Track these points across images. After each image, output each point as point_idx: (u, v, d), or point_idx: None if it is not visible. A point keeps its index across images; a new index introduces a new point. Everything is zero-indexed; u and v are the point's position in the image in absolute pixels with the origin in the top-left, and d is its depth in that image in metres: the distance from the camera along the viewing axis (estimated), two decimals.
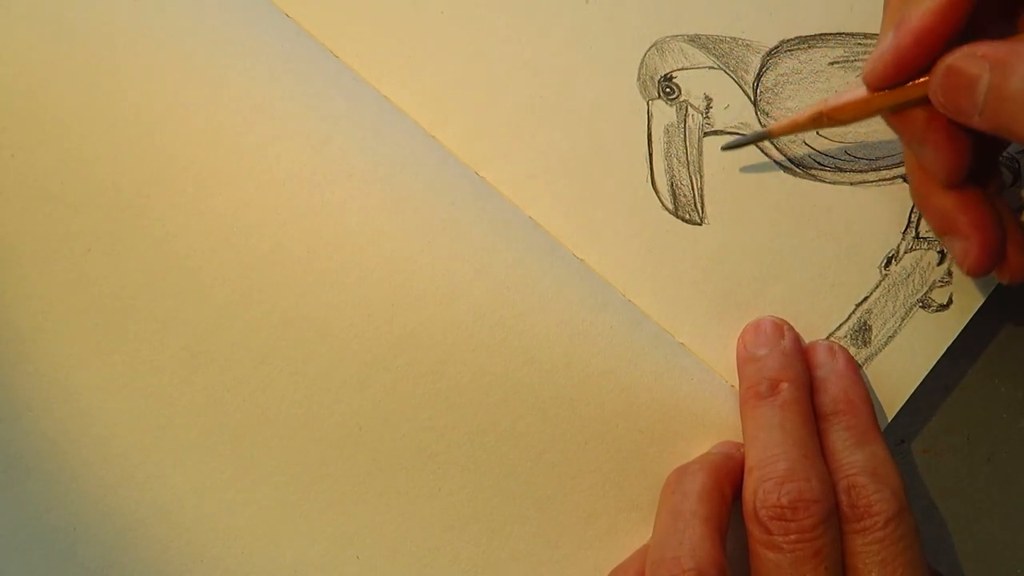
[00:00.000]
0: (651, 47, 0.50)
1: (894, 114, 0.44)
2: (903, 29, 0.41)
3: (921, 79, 0.42)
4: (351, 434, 0.45)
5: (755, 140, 0.48)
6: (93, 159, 0.45)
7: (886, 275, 0.49)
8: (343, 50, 0.48)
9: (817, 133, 0.49)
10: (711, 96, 0.50)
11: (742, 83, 0.50)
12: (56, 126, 0.45)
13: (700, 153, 0.49)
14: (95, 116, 0.45)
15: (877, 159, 0.49)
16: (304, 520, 0.45)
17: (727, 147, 0.49)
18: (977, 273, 0.45)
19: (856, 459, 0.43)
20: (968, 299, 0.48)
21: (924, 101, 0.42)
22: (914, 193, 0.46)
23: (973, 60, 0.39)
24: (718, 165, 0.49)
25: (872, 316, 0.48)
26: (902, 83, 0.42)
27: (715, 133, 0.49)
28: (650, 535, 0.45)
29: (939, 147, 0.42)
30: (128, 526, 0.45)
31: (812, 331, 0.48)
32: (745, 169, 0.49)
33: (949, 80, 0.40)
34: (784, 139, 0.49)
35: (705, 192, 0.49)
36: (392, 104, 0.48)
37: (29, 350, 0.45)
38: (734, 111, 0.49)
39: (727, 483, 0.43)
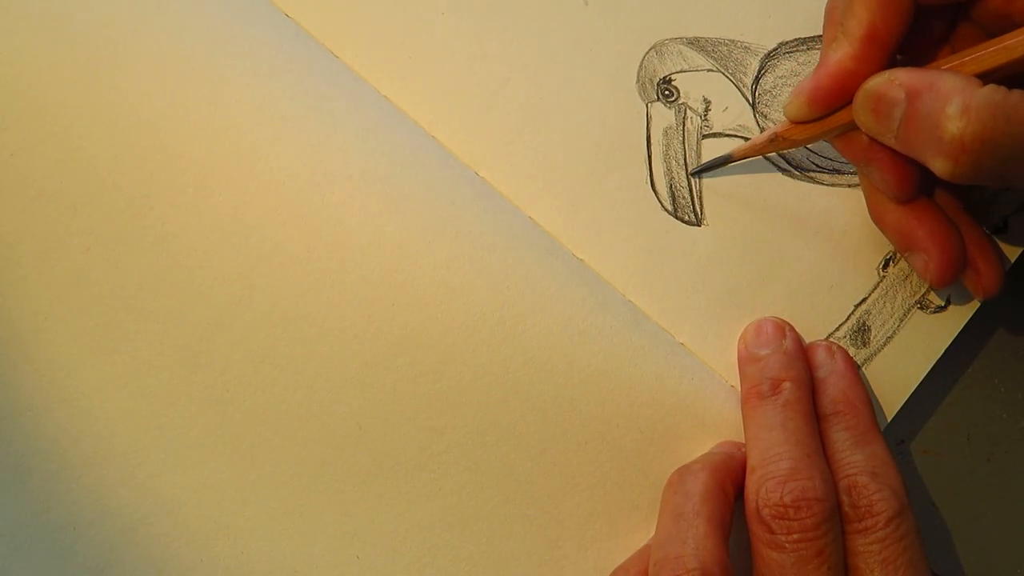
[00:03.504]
0: (650, 49, 0.50)
1: (838, 137, 0.46)
2: (820, 71, 0.44)
3: (848, 107, 0.44)
4: (351, 434, 0.45)
5: (720, 164, 0.49)
6: (93, 159, 0.45)
7: (884, 276, 0.49)
8: (343, 50, 0.48)
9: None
10: (710, 99, 0.50)
11: (740, 85, 0.50)
12: (56, 126, 0.45)
13: (699, 156, 0.49)
14: (95, 116, 0.45)
15: None
16: (304, 520, 0.45)
17: (695, 172, 0.49)
18: (941, 284, 0.46)
19: (856, 459, 0.43)
20: (966, 300, 0.48)
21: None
22: (871, 212, 0.47)
23: (891, 86, 0.41)
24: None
25: (871, 317, 0.48)
26: (824, 116, 0.45)
27: (713, 135, 0.49)
28: (651, 535, 0.45)
29: (884, 166, 0.44)
30: (128, 525, 0.45)
31: (811, 332, 0.48)
32: (743, 172, 0.49)
33: (868, 103, 0.42)
34: None
35: (704, 194, 0.49)
36: (392, 104, 0.48)
37: (29, 350, 0.45)
38: (732, 114, 0.50)
39: (729, 483, 0.43)
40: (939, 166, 0.40)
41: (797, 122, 0.46)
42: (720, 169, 0.49)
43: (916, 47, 0.46)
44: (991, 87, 0.38)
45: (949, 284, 0.46)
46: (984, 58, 0.41)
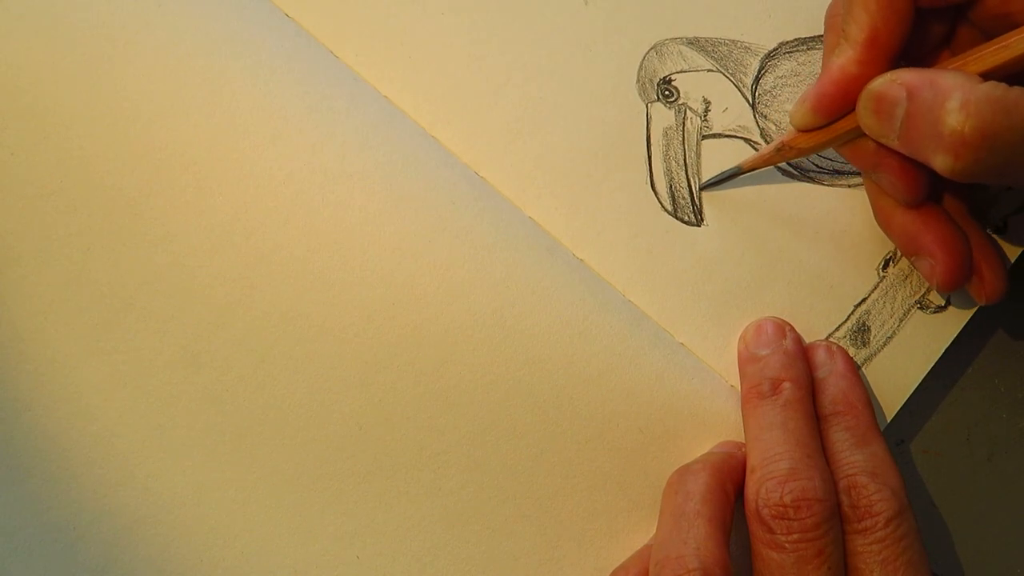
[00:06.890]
0: (650, 49, 0.50)
1: (844, 145, 0.46)
2: (824, 78, 0.44)
3: (853, 113, 0.44)
4: (351, 434, 0.45)
5: (729, 177, 0.49)
6: (92, 159, 0.45)
7: (884, 276, 0.49)
8: (343, 50, 0.48)
9: None
10: (709, 99, 0.50)
11: (740, 86, 0.50)
12: (56, 126, 0.45)
13: (698, 156, 0.49)
14: (95, 116, 0.45)
15: None
16: (304, 520, 0.45)
17: (703, 187, 0.49)
18: (946, 289, 0.46)
19: (856, 459, 0.43)
20: (966, 300, 0.48)
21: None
22: (876, 216, 0.47)
23: (893, 86, 0.41)
24: (716, 167, 0.49)
25: (871, 317, 0.48)
26: (830, 123, 0.45)
27: (713, 136, 0.49)
28: (651, 534, 0.45)
29: (893, 171, 0.44)
30: (128, 525, 0.45)
31: (811, 332, 0.48)
32: (743, 172, 0.49)
33: (871, 104, 0.42)
34: None
35: (703, 195, 0.49)
36: (392, 104, 0.48)
37: (29, 350, 0.45)
38: (732, 114, 0.50)
39: (729, 482, 0.43)
40: (940, 162, 0.39)
41: (803, 130, 0.46)
42: (718, 172, 0.49)
43: (917, 51, 0.46)
44: (991, 83, 0.38)
45: (955, 289, 0.46)
46: (985, 57, 0.41)
